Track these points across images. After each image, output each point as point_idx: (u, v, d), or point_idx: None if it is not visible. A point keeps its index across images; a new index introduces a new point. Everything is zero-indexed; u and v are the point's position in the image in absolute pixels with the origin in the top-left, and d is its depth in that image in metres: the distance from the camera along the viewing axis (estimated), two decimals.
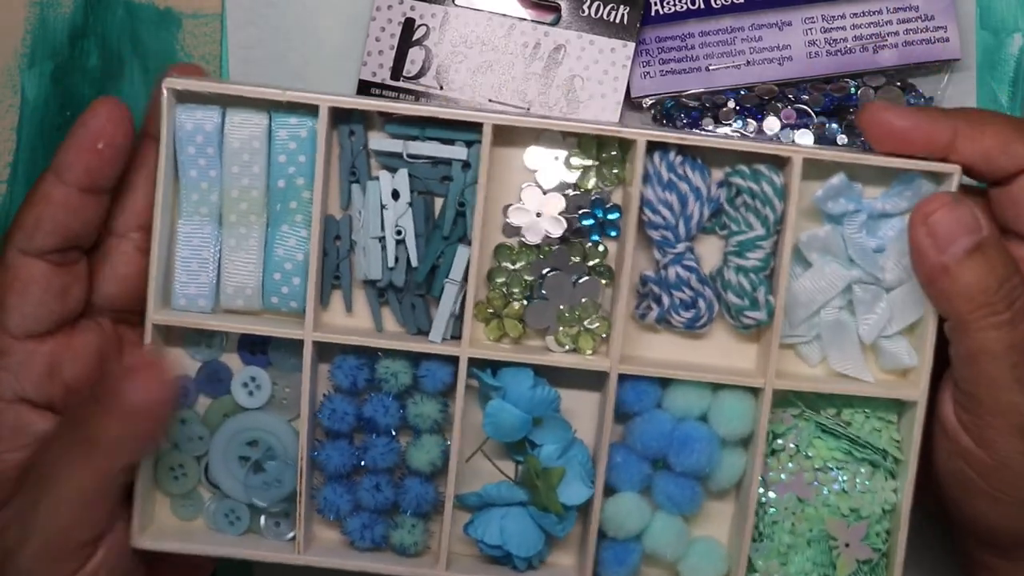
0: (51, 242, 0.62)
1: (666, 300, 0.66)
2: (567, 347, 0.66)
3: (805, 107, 0.72)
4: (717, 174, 0.66)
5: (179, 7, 0.74)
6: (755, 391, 0.66)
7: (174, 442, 0.68)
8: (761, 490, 0.67)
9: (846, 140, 0.71)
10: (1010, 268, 0.62)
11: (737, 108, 0.71)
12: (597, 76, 0.71)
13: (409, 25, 0.71)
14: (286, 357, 0.67)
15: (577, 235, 0.67)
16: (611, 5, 0.70)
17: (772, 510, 0.67)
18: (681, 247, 0.66)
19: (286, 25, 0.74)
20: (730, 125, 0.70)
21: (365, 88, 0.71)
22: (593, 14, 0.70)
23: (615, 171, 0.66)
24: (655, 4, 0.71)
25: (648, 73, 0.72)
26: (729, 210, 0.66)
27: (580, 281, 0.66)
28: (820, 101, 0.71)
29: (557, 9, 0.71)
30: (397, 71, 0.71)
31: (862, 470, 0.67)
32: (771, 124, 0.71)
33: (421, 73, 0.71)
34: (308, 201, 0.65)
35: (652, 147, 0.65)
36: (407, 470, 0.67)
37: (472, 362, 0.65)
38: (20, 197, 0.75)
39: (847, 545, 0.67)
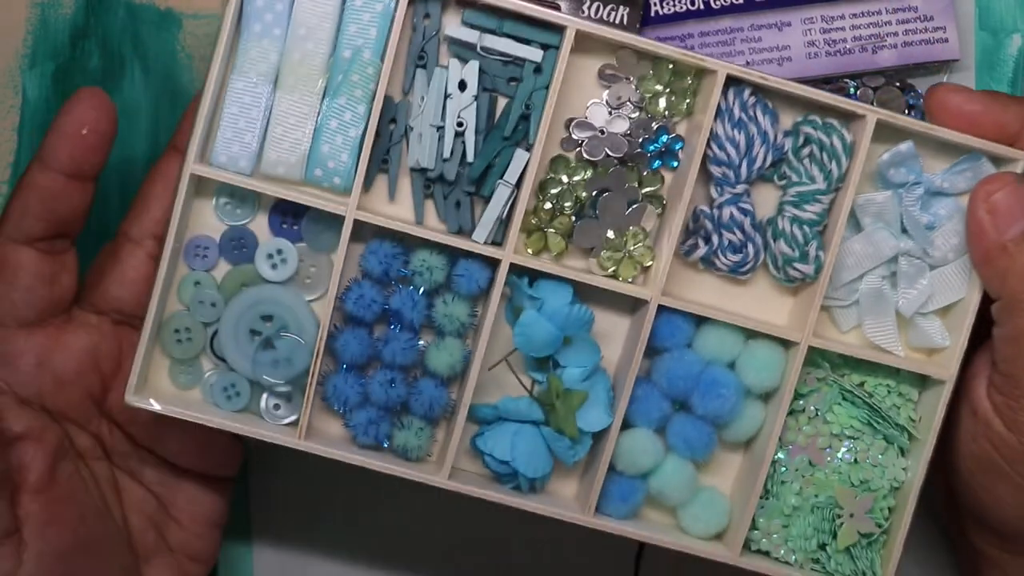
0: (39, 228, 0.62)
1: (715, 239, 0.65)
2: (608, 271, 0.65)
3: None
4: (785, 121, 0.65)
5: (180, 7, 0.73)
6: (787, 346, 0.65)
7: (185, 304, 0.65)
8: (778, 449, 0.66)
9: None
10: None
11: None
12: None
13: None
14: (319, 233, 0.65)
15: (637, 160, 0.65)
16: (611, 5, 0.69)
17: (783, 469, 0.66)
18: (740, 188, 0.64)
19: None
20: None
21: None
22: (593, 14, 0.69)
23: (687, 101, 0.65)
24: (655, 4, 0.70)
25: None
26: (792, 160, 0.65)
27: (633, 206, 0.65)
28: None
29: (557, 9, 0.70)
30: None
31: (876, 443, 0.66)
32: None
33: None
34: (371, 76, 0.63)
35: (730, 82, 0.64)
36: (423, 371, 0.65)
37: (513, 268, 0.63)
38: None
39: (852, 515, 0.66)
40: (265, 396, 0.65)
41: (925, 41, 0.71)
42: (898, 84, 0.71)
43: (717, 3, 0.70)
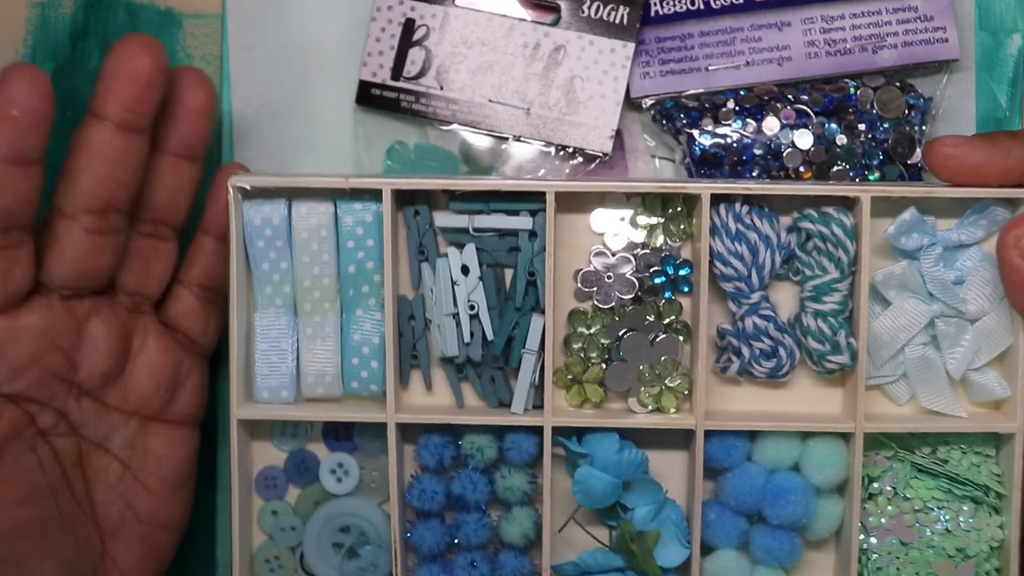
0: (95, 199, 0.61)
1: (746, 352, 0.65)
2: (650, 407, 0.66)
3: (804, 107, 0.70)
4: (785, 220, 0.66)
5: (180, 8, 0.74)
6: (845, 436, 0.65)
7: (269, 535, 0.68)
8: (862, 536, 0.66)
9: (846, 140, 0.69)
10: None
11: (737, 108, 0.70)
12: (597, 76, 0.70)
13: (409, 25, 0.71)
14: (371, 440, 0.67)
15: (650, 294, 0.66)
16: (611, 5, 0.70)
17: (875, 556, 0.66)
18: (756, 297, 0.65)
19: (286, 26, 0.73)
20: (729, 125, 0.69)
21: (366, 88, 0.71)
22: (593, 14, 0.70)
23: (682, 226, 0.66)
24: (655, 4, 0.71)
25: (648, 73, 0.71)
26: (801, 255, 0.65)
27: (657, 340, 0.66)
28: (819, 101, 0.70)
29: (557, 10, 0.71)
30: (397, 71, 0.71)
31: (964, 508, 0.65)
32: (770, 124, 0.69)
33: (421, 73, 0.71)
34: (379, 284, 0.65)
35: (717, 199, 0.64)
36: (501, 544, 0.67)
37: (556, 430, 0.65)
38: None
39: None
40: None
41: (925, 41, 0.70)
42: (898, 84, 0.70)
43: (717, 3, 0.71)
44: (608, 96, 0.70)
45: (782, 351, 0.65)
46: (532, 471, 0.66)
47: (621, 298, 0.66)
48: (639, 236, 0.66)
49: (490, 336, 0.66)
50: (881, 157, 0.70)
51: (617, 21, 0.70)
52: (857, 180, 0.68)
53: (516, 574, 0.66)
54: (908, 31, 0.70)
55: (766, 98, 0.70)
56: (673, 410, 0.66)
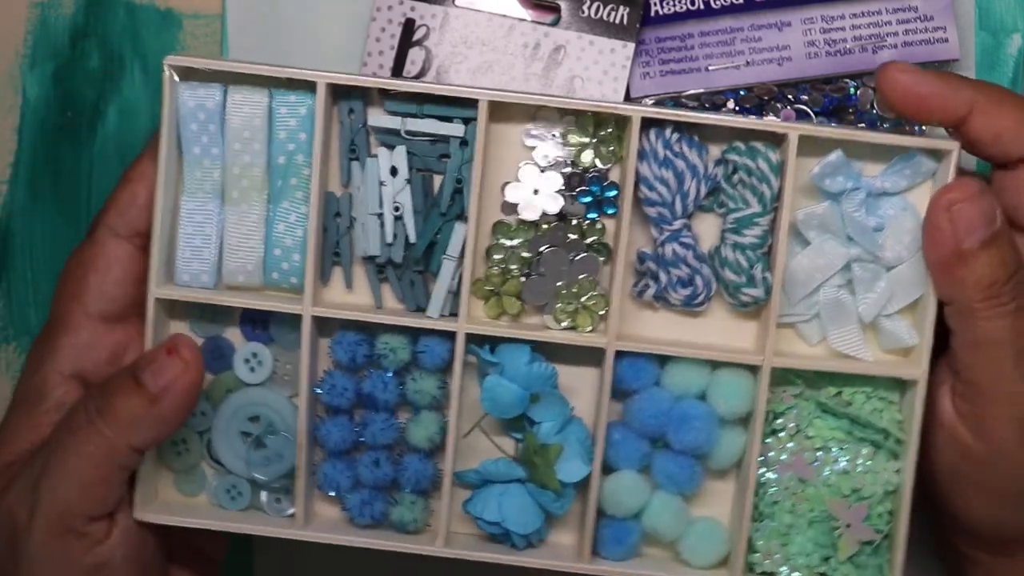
0: (143, 222, 0.64)
1: (663, 277, 0.66)
2: (565, 324, 0.66)
3: (804, 107, 0.71)
4: (715, 151, 0.66)
5: (180, 8, 0.75)
6: (754, 369, 0.66)
7: None
8: (762, 470, 0.67)
9: None
10: (1018, 260, 0.62)
11: (737, 108, 0.71)
12: (597, 77, 0.71)
13: (409, 25, 0.72)
14: (288, 333, 0.68)
15: (575, 213, 0.67)
16: (611, 5, 0.70)
17: (772, 490, 0.67)
18: (678, 224, 0.65)
19: (286, 26, 0.74)
20: None
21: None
22: (593, 15, 0.71)
23: (612, 148, 0.66)
24: (655, 4, 0.71)
25: (648, 73, 0.72)
26: (726, 187, 0.66)
27: (577, 258, 0.66)
28: (819, 101, 0.71)
29: (557, 10, 0.71)
30: (397, 72, 0.71)
31: (864, 450, 0.66)
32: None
33: (421, 74, 0.71)
34: (309, 178, 0.66)
35: (648, 124, 0.65)
36: (406, 446, 0.68)
37: (470, 338, 0.66)
38: (21, 197, 0.76)
39: (848, 526, 0.66)
40: (264, 492, 0.69)
41: (925, 41, 0.71)
42: None
43: (717, 3, 0.71)
44: (608, 96, 0.70)
45: (699, 280, 0.66)
46: (443, 377, 0.67)
47: (546, 214, 0.66)
48: (569, 154, 0.67)
49: (412, 239, 0.66)
50: None
51: (617, 21, 0.70)
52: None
53: (419, 476, 0.67)
54: (908, 31, 0.71)
55: (766, 98, 0.70)
56: (588, 328, 0.66)
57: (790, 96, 0.71)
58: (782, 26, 0.71)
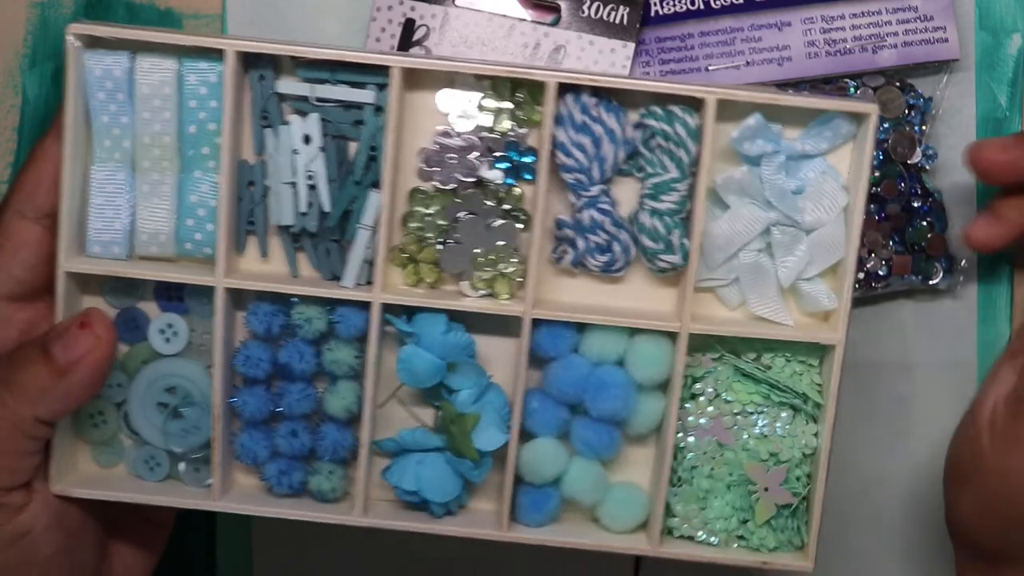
0: (50, 203, 0.63)
1: (581, 244, 0.65)
2: (483, 292, 0.66)
3: None
4: (634, 116, 0.65)
5: (180, 8, 0.74)
6: (672, 335, 0.65)
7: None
8: (680, 435, 0.67)
9: None
10: None
11: None
12: None
13: (409, 25, 0.71)
14: (203, 303, 0.67)
15: (492, 179, 0.66)
16: (611, 5, 0.70)
17: (691, 455, 0.67)
18: (595, 190, 0.65)
19: (286, 26, 0.74)
20: None
21: None
22: (593, 14, 0.70)
23: (529, 114, 0.65)
24: (655, 5, 0.71)
25: (648, 73, 0.72)
26: (644, 152, 0.65)
27: (495, 225, 0.65)
28: None
29: (557, 10, 0.71)
30: None
31: (783, 414, 0.66)
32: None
33: None
34: (219, 146, 0.64)
35: (564, 89, 0.64)
36: (324, 416, 0.67)
37: (386, 308, 0.65)
38: None
39: (766, 489, 0.66)
40: (183, 463, 0.68)
41: (925, 41, 0.71)
42: (898, 84, 0.72)
43: (717, 3, 0.71)
44: None
45: (617, 246, 0.65)
46: (360, 346, 0.66)
47: (462, 180, 0.65)
48: (486, 120, 0.66)
49: (327, 208, 0.65)
50: (881, 157, 0.71)
51: (617, 21, 0.69)
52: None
53: (336, 446, 0.67)
54: (908, 31, 0.71)
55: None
56: (506, 296, 0.66)
57: None
58: (782, 26, 0.72)
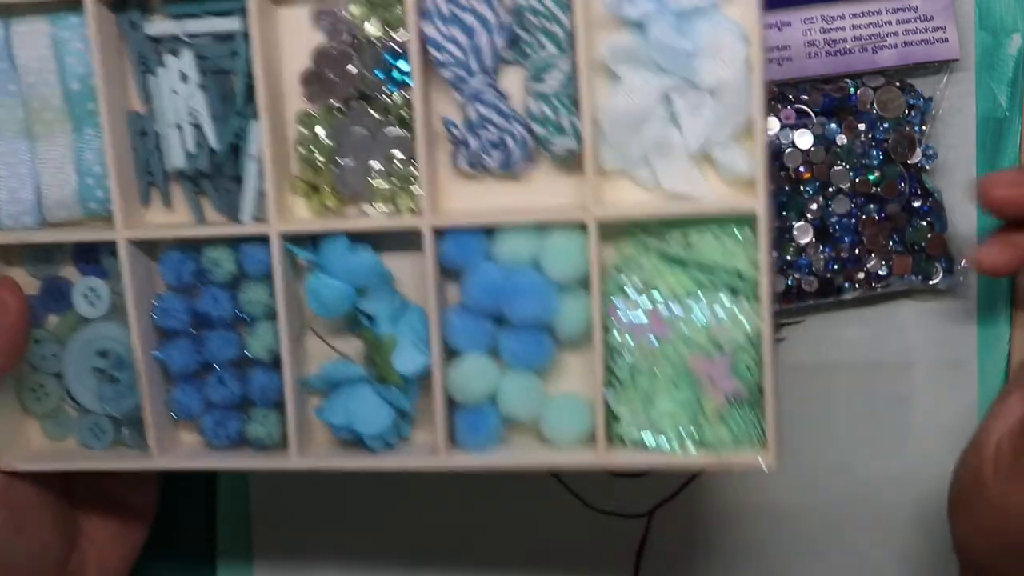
0: None
1: (473, 142, 0.61)
2: (386, 209, 0.62)
3: (804, 107, 0.71)
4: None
5: None
6: (584, 228, 0.61)
7: (31, 363, 0.67)
8: (616, 334, 0.61)
9: (845, 140, 0.71)
10: None
11: None
12: None
13: None
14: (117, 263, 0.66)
15: (376, 89, 0.62)
16: None
17: (628, 355, 0.62)
18: (476, 83, 0.61)
19: None
20: None
21: None
22: None
23: (397, 12, 0.62)
24: None
25: None
26: (522, 35, 0.61)
27: (388, 136, 0.62)
28: (819, 101, 0.71)
29: None
30: None
31: (722, 297, 0.61)
32: (770, 124, 0.70)
33: None
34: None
35: None
36: (250, 360, 0.65)
37: (286, 238, 0.63)
38: None
39: (712, 382, 0.60)
40: (126, 428, 0.67)
41: (925, 41, 0.70)
42: (898, 84, 0.71)
43: None
44: None
45: (509, 140, 0.61)
46: (273, 283, 0.64)
47: (348, 95, 0.62)
48: (355, 29, 0.62)
49: (214, 145, 0.63)
50: (881, 157, 0.71)
51: None
52: None
53: (265, 389, 0.64)
54: (908, 31, 0.70)
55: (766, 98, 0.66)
56: (412, 209, 0.62)
57: (790, 96, 0.71)
58: (782, 26, 0.71)
